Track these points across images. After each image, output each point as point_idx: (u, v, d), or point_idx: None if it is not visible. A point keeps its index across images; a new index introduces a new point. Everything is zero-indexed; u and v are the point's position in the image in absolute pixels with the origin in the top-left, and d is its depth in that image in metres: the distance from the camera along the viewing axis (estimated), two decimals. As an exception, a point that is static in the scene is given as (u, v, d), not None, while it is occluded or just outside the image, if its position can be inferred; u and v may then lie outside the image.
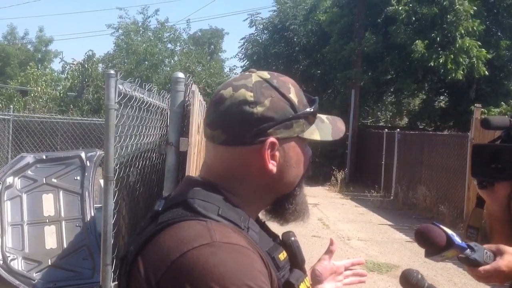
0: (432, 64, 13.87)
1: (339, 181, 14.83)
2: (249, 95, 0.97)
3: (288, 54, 20.34)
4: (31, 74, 21.60)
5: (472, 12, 13.85)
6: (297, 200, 1.05)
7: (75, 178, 4.53)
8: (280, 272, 0.95)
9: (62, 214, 4.38)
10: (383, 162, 14.47)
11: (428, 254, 1.32)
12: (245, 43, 21.63)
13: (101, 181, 3.85)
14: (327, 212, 11.13)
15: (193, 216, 0.91)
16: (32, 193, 4.38)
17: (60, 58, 26.86)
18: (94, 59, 18.51)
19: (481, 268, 1.32)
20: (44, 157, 4.60)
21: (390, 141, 14.16)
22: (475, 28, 13.92)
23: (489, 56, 14.10)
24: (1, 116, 11.32)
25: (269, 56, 20.39)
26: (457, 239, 1.28)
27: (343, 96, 17.46)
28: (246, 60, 21.35)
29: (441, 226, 1.31)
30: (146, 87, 3.40)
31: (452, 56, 13.77)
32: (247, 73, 1.04)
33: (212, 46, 38.26)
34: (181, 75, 3.06)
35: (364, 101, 18.16)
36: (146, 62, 21.59)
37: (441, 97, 18.97)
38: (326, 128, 1.08)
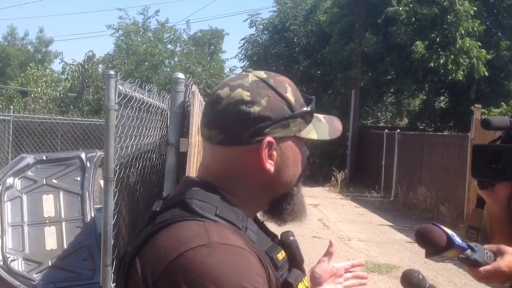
0: (432, 64, 13.87)
1: (339, 182, 14.83)
2: (246, 95, 0.97)
3: (288, 55, 20.35)
4: (31, 74, 21.62)
5: (472, 13, 13.85)
6: (294, 200, 1.05)
7: (75, 179, 4.53)
8: (278, 271, 0.94)
9: (62, 215, 4.38)
10: (383, 163, 14.47)
11: (428, 255, 1.32)
12: (245, 44, 21.64)
13: (101, 182, 3.85)
14: (327, 213, 11.13)
15: (191, 216, 0.91)
16: (32, 194, 4.38)
17: (60, 58, 26.88)
18: (94, 59, 18.52)
19: (482, 269, 1.32)
20: (44, 158, 4.61)
21: (390, 142, 14.16)
22: (475, 28, 13.92)
23: (489, 56, 14.09)
24: (1, 117, 11.32)
25: (269, 57, 20.39)
26: (457, 239, 1.28)
27: (343, 97, 17.45)
28: (246, 61, 21.35)
29: (442, 226, 1.31)
30: (146, 87, 3.40)
31: (452, 56, 13.77)
32: (244, 73, 1.04)
33: (212, 47, 38.26)
34: (181, 75, 3.06)
35: (364, 102, 18.15)
36: (146, 63, 21.60)
37: (441, 98, 18.96)
38: (323, 127, 1.07)
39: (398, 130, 15.15)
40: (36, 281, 4.01)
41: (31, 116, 12.66)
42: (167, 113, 3.68)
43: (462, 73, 13.86)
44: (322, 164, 17.35)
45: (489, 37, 15.25)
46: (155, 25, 24.18)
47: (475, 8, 13.91)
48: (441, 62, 13.77)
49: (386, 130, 15.47)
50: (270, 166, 0.98)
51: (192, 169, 3.10)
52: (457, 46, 13.79)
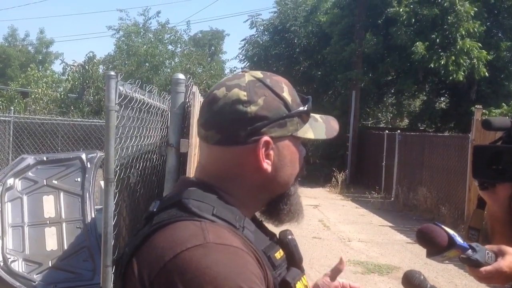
0: (432, 65, 13.87)
1: (339, 183, 14.82)
2: (243, 94, 0.97)
3: (289, 55, 20.36)
4: (32, 75, 21.61)
5: (472, 13, 13.86)
6: (291, 200, 1.05)
7: (76, 179, 4.53)
8: (276, 271, 0.94)
9: (63, 216, 4.37)
10: (383, 164, 14.46)
11: (429, 254, 1.32)
12: (246, 45, 21.66)
13: (102, 183, 3.85)
14: (328, 214, 11.13)
15: (188, 216, 0.91)
16: (32, 195, 4.38)
17: (61, 59, 26.91)
18: (95, 60, 18.52)
19: (483, 269, 1.32)
20: (44, 158, 4.61)
21: (391, 142, 14.17)
22: (475, 29, 13.93)
23: (489, 57, 14.09)
24: (2, 118, 11.32)
25: (270, 58, 20.41)
26: (458, 239, 1.28)
27: (343, 97, 17.46)
28: (246, 62, 21.37)
29: (443, 226, 1.30)
30: (147, 88, 3.40)
31: (453, 57, 13.78)
32: (240, 73, 1.04)
33: (212, 48, 38.28)
34: (181, 76, 3.05)
35: (365, 102, 18.16)
36: (146, 64, 21.60)
37: (442, 98, 18.96)
38: (319, 126, 1.07)
39: (399, 130, 15.16)
40: (37, 282, 4.01)
41: (32, 117, 12.66)
42: (168, 114, 3.68)
43: (462, 73, 13.86)
44: (322, 165, 17.36)
45: (489, 38, 15.25)
46: (155, 26, 24.20)
47: (476, 9, 13.92)
48: (442, 63, 13.77)
49: (387, 131, 15.48)
50: (267, 165, 0.98)
51: (193, 170, 3.09)
52: (458, 47, 13.79)
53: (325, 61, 18.65)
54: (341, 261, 1.31)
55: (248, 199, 1.01)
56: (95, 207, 4.53)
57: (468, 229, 1.68)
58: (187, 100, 3.15)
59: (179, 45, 25.07)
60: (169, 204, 0.95)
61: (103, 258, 2.58)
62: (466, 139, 10.00)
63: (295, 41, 19.87)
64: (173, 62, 23.56)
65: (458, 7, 13.76)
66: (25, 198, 4.34)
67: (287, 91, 1.02)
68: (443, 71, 14.02)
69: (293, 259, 1.01)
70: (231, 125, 0.97)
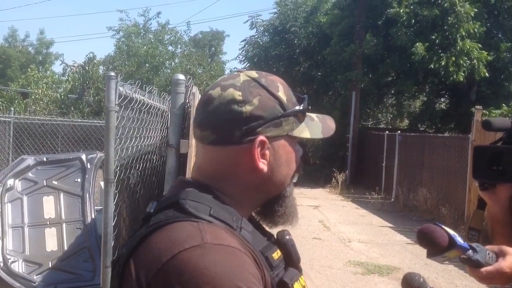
0: (432, 66, 13.87)
1: (339, 183, 14.82)
2: (238, 94, 0.97)
3: (289, 56, 20.36)
4: (32, 76, 21.61)
5: (472, 14, 13.85)
6: (286, 202, 1.05)
7: (76, 180, 4.53)
8: (273, 271, 0.94)
9: (63, 216, 4.37)
10: (383, 164, 14.46)
11: (430, 255, 1.31)
12: (246, 45, 21.67)
13: (102, 183, 3.85)
14: (328, 214, 11.12)
15: (185, 217, 0.91)
16: (32, 195, 4.38)
17: (61, 60, 26.95)
18: (95, 61, 18.54)
19: (483, 269, 1.32)
20: (44, 159, 4.61)
21: (391, 143, 14.16)
22: (475, 30, 13.93)
23: (489, 58, 14.09)
24: (2, 119, 11.33)
25: (270, 58, 20.42)
26: (459, 239, 1.28)
27: (343, 98, 17.46)
28: (246, 62, 21.38)
29: (443, 226, 1.30)
30: (147, 89, 3.40)
31: (453, 58, 13.77)
32: (235, 73, 1.04)
33: (212, 48, 38.32)
34: (181, 77, 3.05)
35: (365, 103, 18.15)
36: (147, 64, 21.62)
37: (442, 99, 18.96)
38: (316, 126, 1.07)
39: (399, 131, 15.15)
40: (37, 283, 4.00)
41: (32, 117, 12.67)
42: (168, 115, 3.68)
43: (462, 74, 13.85)
44: (322, 165, 17.36)
45: (489, 38, 15.25)
46: (155, 27, 24.23)
47: (476, 10, 13.92)
48: (442, 63, 13.77)
49: (387, 132, 15.47)
50: (263, 165, 0.98)
51: (193, 171, 3.09)
52: (458, 47, 13.79)
53: (325, 62, 18.65)
54: None
55: (244, 199, 1.00)
56: (95, 207, 4.53)
57: (469, 229, 1.68)
58: (187, 100, 3.14)
59: (179, 46, 25.12)
60: (166, 205, 0.95)
61: (103, 259, 2.58)
62: (466, 139, 10.00)
63: (295, 42, 19.87)
64: (173, 63, 23.59)
65: (458, 8, 13.76)
66: (25, 198, 4.33)
67: (282, 91, 1.01)
68: (443, 72, 14.01)
69: (291, 260, 1.01)
70: (226, 125, 0.97)
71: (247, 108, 0.96)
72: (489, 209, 1.64)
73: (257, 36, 21.64)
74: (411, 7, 14.39)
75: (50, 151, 11.18)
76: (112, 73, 2.52)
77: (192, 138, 3.05)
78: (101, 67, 19.80)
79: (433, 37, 14.10)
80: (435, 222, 1.35)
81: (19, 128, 11.36)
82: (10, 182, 4.32)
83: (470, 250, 1.30)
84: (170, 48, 24.24)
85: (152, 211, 0.96)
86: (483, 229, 1.66)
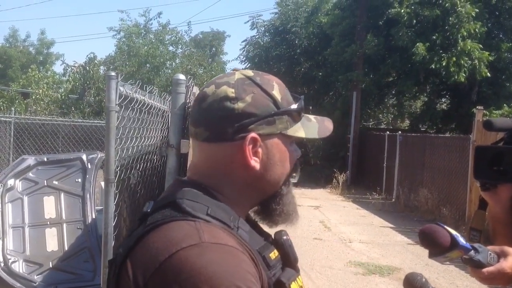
0: (433, 66, 13.86)
1: (340, 184, 14.81)
2: (231, 91, 0.97)
3: (290, 57, 20.37)
4: (33, 76, 21.61)
5: (473, 14, 13.84)
6: (284, 200, 1.04)
7: (76, 180, 4.53)
8: (271, 270, 0.94)
9: (63, 217, 4.37)
10: (384, 165, 14.46)
11: (432, 255, 1.31)
12: (247, 46, 21.69)
13: (102, 183, 3.85)
14: (329, 215, 11.12)
15: (182, 216, 0.90)
16: (33, 195, 4.38)
17: (62, 60, 26.97)
18: (96, 61, 18.53)
19: (485, 270, 1.31)
20: (45, 159, 4.61)
21: (392, 144, 14.16)
22: (476, 30, 13.92)
23: (491, 58, 14.08)
24: (2, 119, 11.34)
25: (271, 59, 20.43)
26: (461, 240, 1.27)
27: (344, 99, 17.46)
28: (247, 63, 21.40)
29: (445, 226, 1.30)
30: (148, 89, 3.40)
31: (454, 58, 13.76)
32: (231, 71, 1.04)
33: (213, 49, 38.34)
34: (182, 77, 3.05)
35: (366, 104, 18.16)
36: (147, 65, 21.61)
37: (443, 99, 18.95)
38: (312, 126, 1.07)
39: (400, 132, 15.15)
40: (37, 283, 4.00)
41: (33, 117, 12.68)
42: (168, 115, 3.68)
43: (463, 75, 13.84)
44: (323, 166, 17.36)
45: (490, 39, 15.24)
46: (156, 27, 24.22)
47: (477, 10, 13.91)
48: (443, 64, 13.76)
49: (388, 132, 15.46)
50: (255, 163, 0.98)
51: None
52: (459, 48, 13.78)
53: (326, 62, 18.66)
54: None
55: (240, 198, 1.00)
56: (96, 208, 4.53)
57: (470, 230, 1.68)
58: (188, 101, 3.14)
59: (180, 46, 25.09)
60: (163, 205, 0.95)
61: (104, 259, 2.58)
62: (467, 140, 9.99)
63: (296, 42, 19.88)
64: (174, 63, 23.58)
65: (459, 8, 13.75)
66: (25, 198, 4.34)
67: (277, 90, 1.01)
68: (444, 72, 14.01)
69: (288, 260, 1.00)
70: (219, 122, 0.97)
71: (240, 105, 0.96)
72: (490, 209, 1.63)
73: (258, 36, 21.67)
74: (412, 7, 14.38)
75: (51, 151, 11.18)
76: (113, 73, 2.52)
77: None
78: (101, 67, 19.79)
79: (434, 37, 14.10)
80: (437, 222, 1.35)
81: (20, 128, 11.37)
82: (10, 182, 4.32)
83: (472, 251, 1.30)
84: (171, 48, 24.24)
85: (149, 210, 0.96)
86: (484, 229, 1.65)
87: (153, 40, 22.86)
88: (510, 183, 1.55)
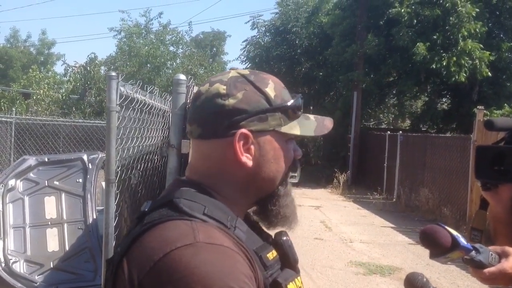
0: (434, 66, 13.84)
1: (341, 184, 14.81)
2: (222, 88, 0.98)
3: (290, 57, 20.37)
4: (34, 77, 21.63)
5: (474, 14, 13.83)
6: (280, 202, 1.03)
7: (77, 180, 4.53)
8: (267, 271, 0.93)
9: (64, 217, 4.38)
10: (385, 165, 14.45)
11: (433, 255, 1.31)
12: (247, 46, 21.70)
13: (103, 184, 3.85)
14: (330, 215, 11.12)
15: (179, 215, 0.91)
16: (34, 196, 4.38)
17: (63, 60, 26.93)
18: (97, 61, 18.55)
19: (486, 270, 1.31)
20: (46, 159, 4.61)
21: (393, 143, 14.15)
22: (477, 30, 13.90)
23: (491, 58, 14.07)
24: (3, 119, 11.34)
25: (271, 59, 20.43)
26: (462, 240, 1.27)
27: (345, 99, 17.45)
28: (248, 63, 21.40)
29: (446, 227, 1.30)
30: (148, 89, 3.40)
31: (454, 58, 13.75)
32: (227, 70, 1.06)
33: (214, 49, 38.33)
34: (182, 77, 3.05)
35: (367, 103, 18.15)
36: (148, 65, 21.61)
37: (444, 99, 18.94)
38: (309, 124, 1.06)
39: (400, 131, 15.13)
40: (38, 283, 4.01)
41: (33, 118, 12.68)
42: (169, 115, 3.68)
43: (464, 74, 13.82)
44: (324, 166, 17.37)
45: (491, 38, 15.22)
46: (157, 27, 24.22)
47: (477, 10, 13.89)
48: (443, 63, 13.74)
49: (388, 132, 15.45)
50: (246, 159, 0.97)
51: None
52: (459, 47, 13.77)
53: (327, 62, 18.65)
54: None
55: (237, 197, 1.00)
56: (97, 208, 4.53)
57: (471, 230, 1.67)
58: (188, 101, 3.14)
59: (180, 46, 25.09)
60: (161, 204, 0.95)
61: (104, 259, 2.58)
62: (468, 140, 9.98)
63: (297, 42, 19.88)
64: (174, 63, 23.57)
65: (460, 8, 13.74)
66: (26, 199, 4.34)
67: (271, 87, 1.01)
68: (444, 72, 13.99)
69: (288, 261, 1.00)
70: (211, 118, 0.98)
71: (230, 101, 0.97)
72: (491, 209, 1.63)
73: (258, 36, 21.67)
74: (413, 7, 14.37)
75: (52, 151, 11.19)
76: (114, 74, 2.52)
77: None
78: (102, 67, 19.81)
79: (435, 37, 14.08)
80: (438, 223, 1.35)
81: (21, 128, 11.38)
82: (11, 182, 4.33)
83: (473, 251, 1.29)
84: (171, 48, 24.23)
85: (146, 210, 0.96)
86: (485, 229, 1.65)
87: (154, 40, 22.86)
88: (511, 183, 1.55)
